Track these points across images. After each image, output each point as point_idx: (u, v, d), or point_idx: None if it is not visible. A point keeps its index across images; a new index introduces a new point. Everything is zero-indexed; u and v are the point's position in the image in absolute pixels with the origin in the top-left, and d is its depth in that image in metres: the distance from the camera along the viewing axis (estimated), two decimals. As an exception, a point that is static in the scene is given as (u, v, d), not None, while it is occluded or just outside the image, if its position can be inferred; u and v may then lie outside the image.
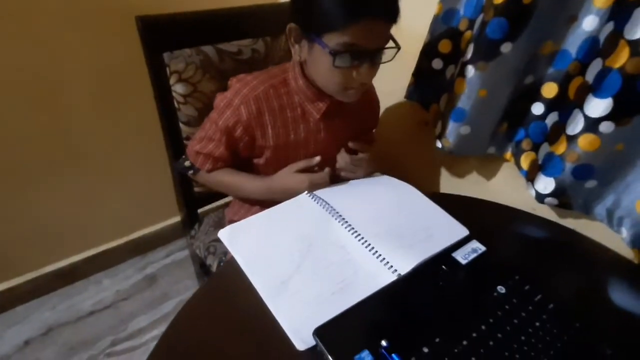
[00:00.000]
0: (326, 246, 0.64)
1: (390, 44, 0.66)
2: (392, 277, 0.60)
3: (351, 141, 0.83)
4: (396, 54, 0.66)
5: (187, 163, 0.84)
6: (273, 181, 0.80)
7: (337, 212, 0.70)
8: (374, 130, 0.97)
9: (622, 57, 0.59)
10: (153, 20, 0.81)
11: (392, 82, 0.99)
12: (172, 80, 0.86)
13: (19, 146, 1.08)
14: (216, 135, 0.77)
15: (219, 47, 0.90)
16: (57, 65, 1.03)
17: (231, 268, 0.61)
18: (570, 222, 0.82)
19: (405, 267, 0.62)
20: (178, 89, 0.87)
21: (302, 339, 0.50)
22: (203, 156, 0.80)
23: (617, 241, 0.74)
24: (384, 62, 0.67)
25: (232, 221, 0.72)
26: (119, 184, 1.32)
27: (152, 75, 0.84)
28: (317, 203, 0.72)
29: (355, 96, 0.71)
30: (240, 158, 0.82)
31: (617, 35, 0.60)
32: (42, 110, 1.07)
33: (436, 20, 0.84)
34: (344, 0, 0.59)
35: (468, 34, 0.80)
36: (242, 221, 0.69)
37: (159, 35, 0.82)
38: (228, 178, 0.83)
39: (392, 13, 0.63)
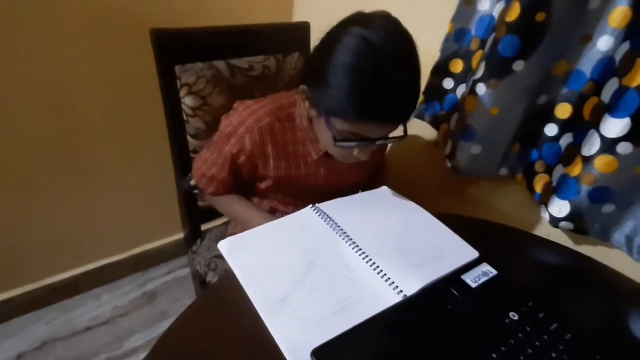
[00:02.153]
0: (329, 263, 0.62)
1: (398, 131, 0.66)
2: (397, 298, 0.57)
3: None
4: (402, 138, 0.65)
5: (192, 182, 0.84)
6: None
7: (341, 229, 0.68)
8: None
9: (639, 76, 0.57)
10: (167, 34, 0.82)
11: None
12: (182, 93, 0.86)
13: (25, 157, 1.08)
14: (219, 159, 0.76)
15: (231, 63, 0.91)
16: (73, 75, 1.05)
17: (229, 280, 0.59)
18: (586, 249, 0.78)
19: (411, 287, 0.59)
20: (187, 101, 0.87)
21: (298, 358, 0.47)
22: (207, 179, 0.80)
23: (637, 270, 0.70)
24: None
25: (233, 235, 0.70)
26: (125, 197, 1.31)
27: (163, 87, 0.85)
28: (322, 218, 0.70)
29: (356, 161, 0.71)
30: (243, 179, 0.82)
31: (633, 54, 0.59)
32: (53, 120, 1.08)
33: (447, 39, 0.84)
34: (356, 99, 0.58)
35: (479, 53, 0.80)
36: (243, 233, 0.67)
37: (172, 48, 0.84)
38: (234, 206, 0.83)
39: (406, 117, 0.63)
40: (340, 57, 0.58)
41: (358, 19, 0.61)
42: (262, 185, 0.81)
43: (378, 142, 0.65)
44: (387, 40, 0.58)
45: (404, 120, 0.63)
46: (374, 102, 0.58)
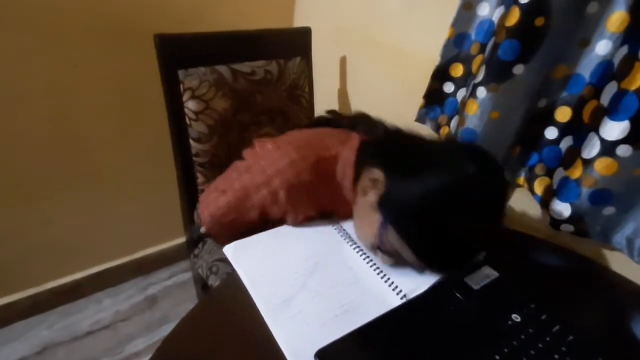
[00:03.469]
0: (333, 266, 0.62)
1: None
2: (400, 302, 0.57)
3: None
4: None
5: (202, 230, 0.74)
6: None
7: (346, 232, 0.69)
8: None
9: (638, 79, 0.58)
10: (171, 39, 0.83)
11: (402, 104, 0.99)
12: (185, 97, 0.87)
13: (27, 161, 1.09)
14: (244, 205, 0.68)
15: (233, 67, 0.92)
16: (76, 80, 1.06)
17: (231, 284, 0.59)
18: (588, 252, 0.78)
19: (413, 290, 0.59)
20: (190, 105, 0.88)
21: (300, 360, 0.48)
22: (226, 224, 0.71)
23: (638, 272, 0.70)
24: None
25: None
26: (127, 201, 1.31)
27: (166, 91, 0.86)
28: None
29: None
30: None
31: (631, 58, 0.60)
32: (56, 124, 1.08)
33: (448, 44, 0.85)
34: (420, 253, 0.56)
35: (479, 57, 0.80)
36: (248, 238, 0.67)
37: (176, 53, 0.85)
38: None
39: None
40: (437, 191, 0.53)
41: (474, 155, 0.57)
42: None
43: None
44: (485, 204, 0.55)
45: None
46: (440, 259, 0.57)
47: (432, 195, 0.53)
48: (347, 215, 0.68)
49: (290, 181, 0.63)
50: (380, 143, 0.68)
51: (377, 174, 0.59)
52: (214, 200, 0.72)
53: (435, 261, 0.58)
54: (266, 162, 0.65)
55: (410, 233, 0.55)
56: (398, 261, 0.61)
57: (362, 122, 0.79)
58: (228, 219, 0.70)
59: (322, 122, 0.85)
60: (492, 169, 0.56)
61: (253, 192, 0.66)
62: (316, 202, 0.68)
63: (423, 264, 0.58)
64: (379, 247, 0.60)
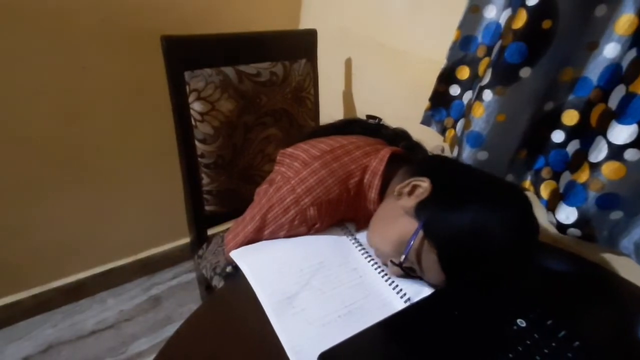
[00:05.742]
0: (338, 266, 0.62)
1: None
2: (404, 305, 0.57)
3: None
4: None
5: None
6: None
7: (352, 234, 0.68)
8: None
9: (646, 83, 0.57)
10: (177, 40, 0.84)
11: (407, 107, 0.99)
12: (190, 98, 0.88)
13: (33, 161, 1.10)
14: (273, 229, 0.66)
15: (239, 69, 0.92)
16: (82, 81, 1.06)
17: (236, 284, 0.59)
18: (594, 257, 0.77)
19: (417, 294, 0.59)
20: (196, 106, 0.88)
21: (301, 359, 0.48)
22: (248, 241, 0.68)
23: (646, 278, 0.69)
24: None
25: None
26: (131, 202, 1.32)
27: (172, 93, 0.86)
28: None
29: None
30: None
31: (640, 61, 0.59)
32: (62, 125, 1.09)
33: (454, 46, 0.85)
34: (446, 267, 0.55)
35: (486, 60, 0.80)
36: (255, 244, 0.66)
37: (182, 55, 0.85)
38: None
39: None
40: (485, 221, 0.55)
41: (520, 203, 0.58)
42: None
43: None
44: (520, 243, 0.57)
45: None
46: (463, 279, 0.57)
47: (476, 230, 0.54)
48: (367, 225, 0.68)
49: (320, 199, 0.63)
50: (428, 159, 0.71)
51: (424, 181, 0.59)
52: (241, 230, 0.68)
53: (456, 278, 0.57)
54: (297, 181, 0.63)
55: (445, 245, 0.55)
56: (407, 276, 0.60)
57: (404, 138, 0.80)
58: (249, 238, 0.67)
59: (352, 122, 0.84)
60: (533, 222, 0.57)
61: (283, 215, 0.64)
62: (341, 212, 0.68)
63: (444, 278, 0.57)
64: (402, 257, 0.57)
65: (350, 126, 0.81)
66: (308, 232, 0.67)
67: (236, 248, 0.66)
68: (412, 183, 0.60)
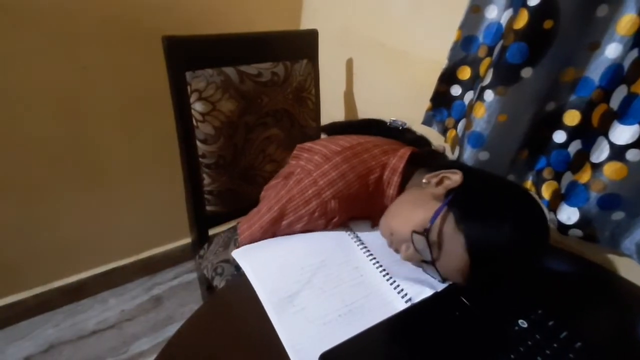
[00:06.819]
0: (339, 265, 0.62)
1: None
2: (405, 305, 0.57)
3: None
4: None
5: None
6: None
7: (355, 233, 0.68)
8: None
9: (648, 83, 0.57)
10: (178, 41, 0.84)
11: (409, 107, 0.99)
12: (192, 99, 0.88)
13: (35, 161, 1.10)
14: (290, 220, 0.66)
15: (240, 69, 0.92)
16: (83, 81, 1.07)
17: (238, 284, 0.59)
18: (596, 257, 0.77)
19: (419, 294, 0.59)
20: (197, 107, 0.88)
21: (301, 358, 0.48)
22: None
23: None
24: None
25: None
26: (133, 202, 1.32)
27: (174, 93, 0.86)
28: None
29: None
30: None
31: (642, 61, 0.59)
32: (63, 125, 1.09)
33: (455, 46, 0.84)
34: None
35: (487, 60, 0.80)
36: (256, 243, 0.66)
37: (183, 55, 0.85)
38: None
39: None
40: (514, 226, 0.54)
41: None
42: None
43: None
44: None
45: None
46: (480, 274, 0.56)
47: (506, 236, 0.54)
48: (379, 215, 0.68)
49: (342, 192, 0.63)
50: (449, 162, 0.73)
51: (456, 173, 0.60)
52: (257, 220, 0.68)
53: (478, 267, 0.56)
54: (319, 175, 0.64)
55: (472, 228, 0.54)
56: (420, 261, 0.60)
57: (425, 144, 0.81)
58: (267, 236, 0.67)
59: (370, 123, 0.85)
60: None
61: (304, 206, 0.64)
62: (357, 208, 0.69)
63: (462, 266, 0.55)
64: (429, 224, 0.56)
65: (368, 126, 0.82)
66: (326, 227, 0.67)
67: (251, 237, 0.67)
68: (441, 175, 0.61)
